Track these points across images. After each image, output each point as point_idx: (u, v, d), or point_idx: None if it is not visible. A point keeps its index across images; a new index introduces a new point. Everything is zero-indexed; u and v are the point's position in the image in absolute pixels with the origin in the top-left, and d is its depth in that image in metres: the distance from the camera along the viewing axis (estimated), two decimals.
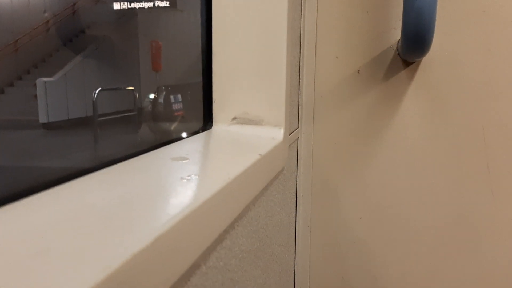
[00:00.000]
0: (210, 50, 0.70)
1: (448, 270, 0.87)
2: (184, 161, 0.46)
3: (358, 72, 0.86)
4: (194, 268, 0.35)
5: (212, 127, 0.71)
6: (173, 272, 0.29)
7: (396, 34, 0.84)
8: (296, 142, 0.89)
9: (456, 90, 0.82)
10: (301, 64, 0.88)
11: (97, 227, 0.27)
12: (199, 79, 0.75)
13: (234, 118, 0.70)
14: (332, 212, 0.93)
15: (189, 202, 0.32)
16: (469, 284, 0.86)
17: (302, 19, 0.86)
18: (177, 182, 0.38)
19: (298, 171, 0.92)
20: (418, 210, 0.87)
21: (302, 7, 0.86)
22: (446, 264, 0.87)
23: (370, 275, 0.92)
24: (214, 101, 0.71)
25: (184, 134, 0.65)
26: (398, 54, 0.84)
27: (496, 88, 0.80)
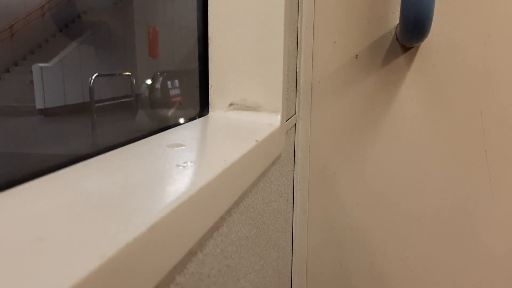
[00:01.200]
0: (207, 35, 0.70)
1: (445, 255, 0.87)
2: (180, 148, 0.46)
3: (356, 58, 0.86)
4: (190, 255, 0.35)
5: (209, 113, 0.70)
6: (169, 260, 0.29)
7: (394, 19, 0.83)
8: (294, 128, 0.88)
9: (455, 75, 0.81)
10: (298, 49, 0.87)
11: (92, 214, 0.27)
12: (197, 65, 0.74)
13: (231, 104, 0.69)
14: (329, 198, 0.93)
15: (185, 189, 0.32)
16: (466, 270, 0.87)
17: (299, 3, 0.85)
18: (173, 169, 0.37)
19: (295, 158, 0.92)
20: (416, 196, 0.87)
21: None
22: (443, 249, 0.87)
23: (367, 260, 0.93)
24: (211, 87, 0.70)
25: (181, 120, 0.64)
26: (396, 39, 0.83)
27: (495, 73, 0.79)
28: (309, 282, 0.97)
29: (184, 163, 0.40)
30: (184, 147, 0.46)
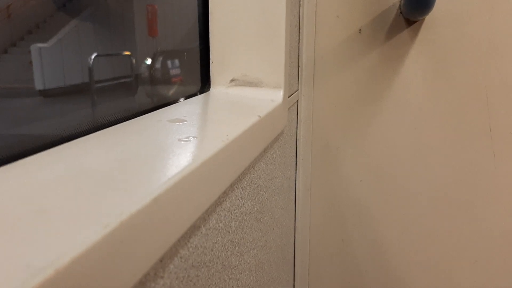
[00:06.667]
0: (207, 10, 0.68)
1: (448, 231, 0.88)
2: (181, 123, 0.45)
3: (360, 32, 0.84)
4: (194, 229, 0.35)
5: (210, 90, 0.70)
6: (172, 233, 0.29)
7: None
8: (296, 105, 0.87)
9: (459, 49, 0.80)
10: (301, 23, 0.85)
11: (94, 187, 0.26)
12: (197, 42, 0.73)
13: (232, 80, 0.68)
14: (332, 175, 0.93)
15: (187, 163, 0.32)
16: (468, 245, 0.87)
17: None
18: (175, 144, 0.37)
19: (298, 134, 0.92)
20: (419, 172, 0.87)
21: None
22: (446, 225, 0.88)
23: (370, 237, 0.93)
24: (212, 63, 0.69)
25: (182, 98, 0.64)
26: (400, 12, 0.81)
27: (499, 47, 0.78)
28: (312, 258, 0.98)
29: (186, 137, 0.39)
30: (185, 122, 0.46)
